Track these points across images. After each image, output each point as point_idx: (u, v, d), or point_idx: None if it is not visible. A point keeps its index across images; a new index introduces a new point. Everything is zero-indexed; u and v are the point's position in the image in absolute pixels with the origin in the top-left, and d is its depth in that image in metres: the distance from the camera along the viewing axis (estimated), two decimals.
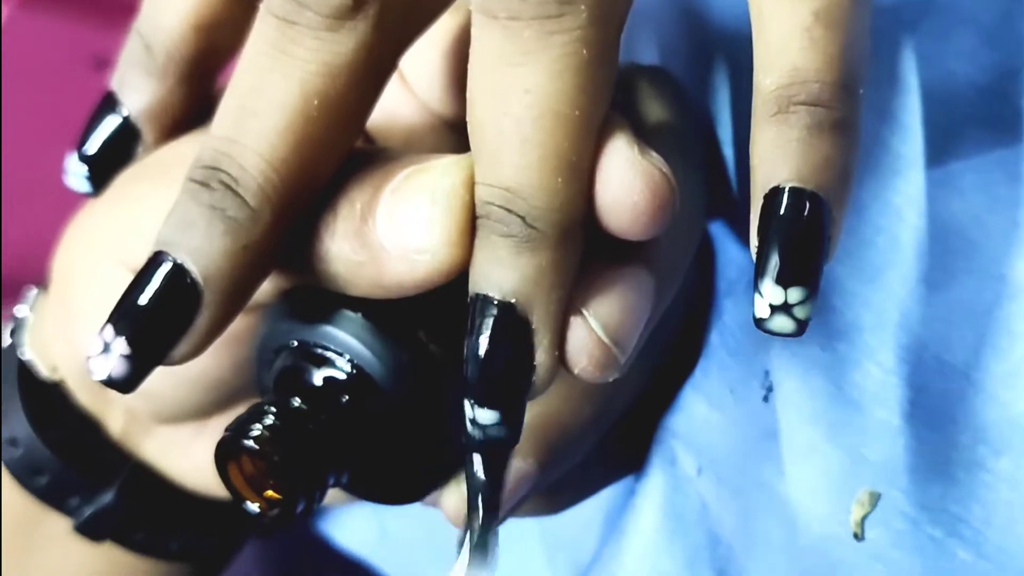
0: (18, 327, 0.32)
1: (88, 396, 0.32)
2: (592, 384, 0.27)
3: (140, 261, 0.25)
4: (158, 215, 0.26)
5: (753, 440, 0.28)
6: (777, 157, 0.21)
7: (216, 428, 0.31)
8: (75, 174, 0.30)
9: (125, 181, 0.30)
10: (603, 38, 0.22)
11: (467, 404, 0.22)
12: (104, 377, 0.23)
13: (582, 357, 0.23)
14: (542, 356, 0.22)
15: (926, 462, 0.25)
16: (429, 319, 0.25)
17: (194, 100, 0.29)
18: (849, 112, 0.22)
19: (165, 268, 0.23)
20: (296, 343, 0.25)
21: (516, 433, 0.22)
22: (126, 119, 0.29)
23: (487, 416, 0.22)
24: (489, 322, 0.22)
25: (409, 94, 0.29)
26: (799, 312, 0.22)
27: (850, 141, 0.22)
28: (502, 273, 0.22)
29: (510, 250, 0.22)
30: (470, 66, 0.22)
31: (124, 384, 0.23)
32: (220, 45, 0.29)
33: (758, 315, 0.22)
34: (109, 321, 0.23)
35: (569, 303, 0.23)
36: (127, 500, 0.32)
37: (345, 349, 0.25)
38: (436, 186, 0.23)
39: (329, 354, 0.25)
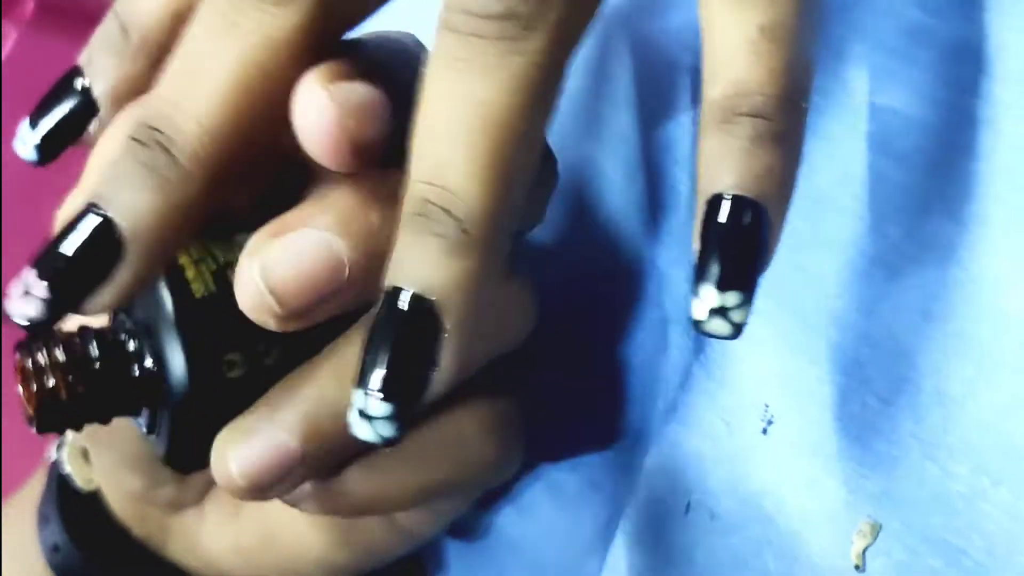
0: (61, 442, 0.34)
1: (116, 505, 0.34)
2: None
3: None
4: None
5: (751, 473, 0.28)
6: (720, 165, 0.22)
7: (212, 512, 0.33)
8: (25, 142, 0.30)
9: None
10: (557, 60, 0.23)
11: (358, 393, 0.22)
12: (22, 319, 0.24)
13: (241, 296, 0.25)
14: (447, 359, 0.22)
15: (926, 493, 0.26)
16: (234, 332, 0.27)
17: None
18: (791, 124, 0.22)
19: (93, 220, 0.24)
20: (123, 314, 0.28)
21: (404, 432, 0.22)
22: (88, 95, 0.29)
23: (381, 408, 0.22)
24: (402, 315, 0.22)
25: None
26: (735, 316, 0.22)
27: (791, 152, 0.22)
28: (426, 271, 0.22)
29: (440, 250, 0.22)
30: (425, 75, 0.23)
31: (38, 326, 0.24)
32: None
33: (695, 317, 0.22)
34: (33, 265, 0.24)
35: (251, 244, 0.25)
36: None
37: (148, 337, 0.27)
38: None
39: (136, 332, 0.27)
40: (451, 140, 0.22)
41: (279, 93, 0.24)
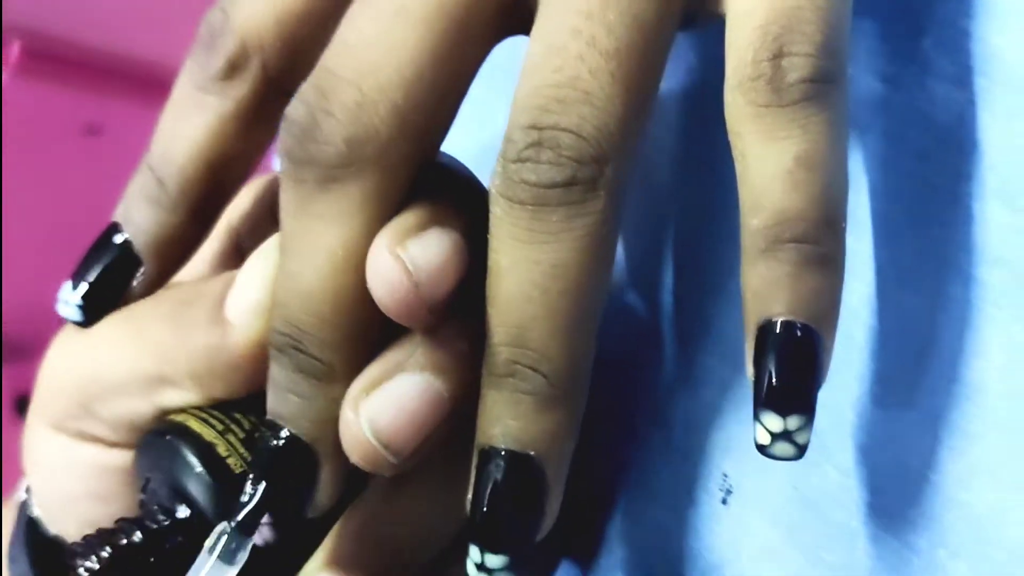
0: (30, 485, 0.33)
1: None
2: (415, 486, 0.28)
3: (66, 423, 0.29)
4: (92, 369, 0.29)
5: (712, 543, 0.28)
6: (769, 292, 0.22)
7: None
8: (67, 302, 0.29)
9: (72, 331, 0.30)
10: (617, 212, 0.23)
11: (474, 549, 0.23)
12: (262, 544, 0.25)
13: (353, 453, 0.24)
14: (551, 504, 0.24)
15: (885, 565, 0.25)
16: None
17: (199, 233, 0.30)
18: (833, 246, 0.22)
19: (284, 436, 0.25)
20: (146, 480, 0.28)
21: (522, 572, 0.24)
22: (129, 249, 0.29)
23: (497, 561, 0.23)
24: (505, 473, 0.23)
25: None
26: (799, 437, 0.22)
27: (836, 273, 0.23)
28: (521, 427, 0.23)
29: (532, 407, 0.23)
30: (491, 242, 0.23)
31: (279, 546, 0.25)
32: (229, 181, 0.29)
33: (759, 442, 0.23)
34: (263, 501, 0.24)
35: (350, 398, 0.24)
36: None
37: (184, 490, 0.27)
38: (262, 247, 0.27)
39: (171, 493, 0.27)
40: (529, 304, 0.23)
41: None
